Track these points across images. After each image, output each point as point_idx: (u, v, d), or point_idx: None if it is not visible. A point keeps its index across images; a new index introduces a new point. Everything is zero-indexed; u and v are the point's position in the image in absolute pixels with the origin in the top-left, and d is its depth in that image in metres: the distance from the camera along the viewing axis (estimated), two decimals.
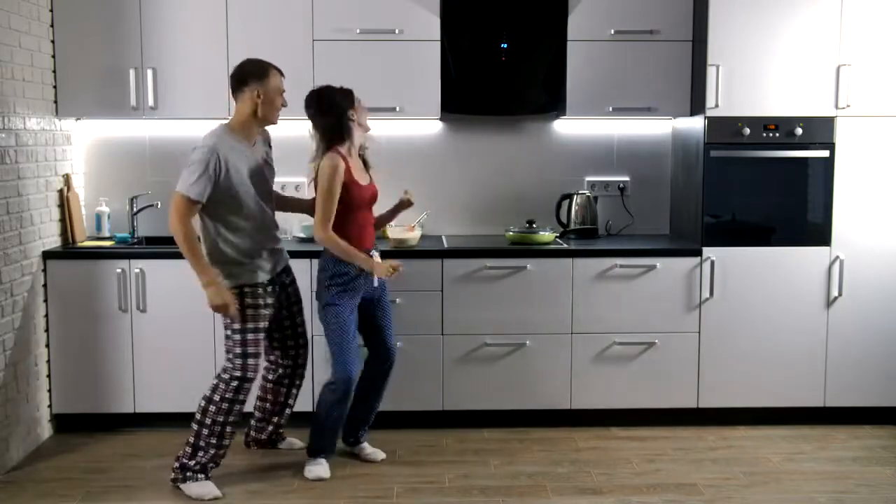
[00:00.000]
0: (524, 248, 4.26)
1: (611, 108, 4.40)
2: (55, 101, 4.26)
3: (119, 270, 4.11)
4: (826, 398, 4.30)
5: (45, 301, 4.12)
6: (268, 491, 3.56)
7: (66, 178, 4.36)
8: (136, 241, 4.45)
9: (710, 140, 4.20)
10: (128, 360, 4.16)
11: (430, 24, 4.31)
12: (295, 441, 3.97)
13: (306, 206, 3.86)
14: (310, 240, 4.38)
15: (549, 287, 4.19)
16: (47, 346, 4.14)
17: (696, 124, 4.32)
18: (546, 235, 4.35)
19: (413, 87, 4.34)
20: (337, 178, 3.49)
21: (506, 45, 4.38)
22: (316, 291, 3.69)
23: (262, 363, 3.66)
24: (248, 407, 3.91)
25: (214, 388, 3.52)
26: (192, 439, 3.53)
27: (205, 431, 3.51)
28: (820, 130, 4.19)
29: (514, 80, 4.46)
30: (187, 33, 4.26)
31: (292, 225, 4.52)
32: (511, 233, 4.39)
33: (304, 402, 4.07)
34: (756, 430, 4.26)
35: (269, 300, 3.58)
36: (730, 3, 4.14)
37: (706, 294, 4.22)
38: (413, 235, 4.28)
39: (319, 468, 3.67)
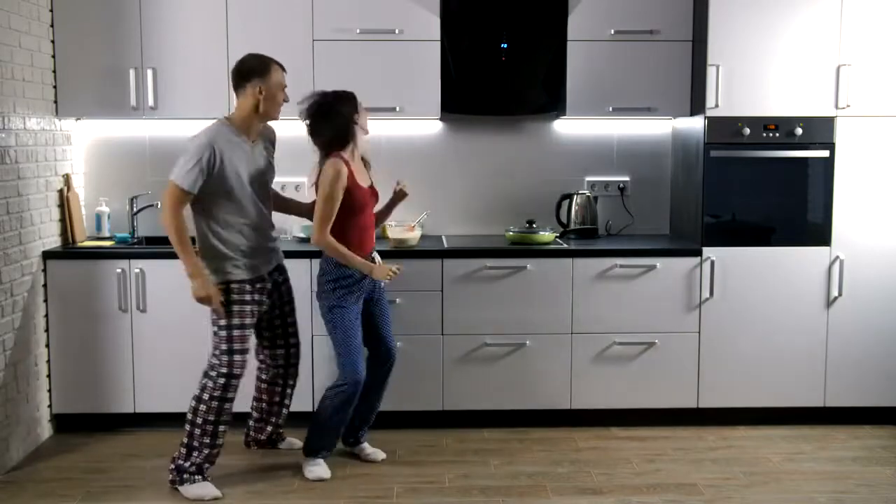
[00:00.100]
0: (524, 248, 4.26)
1: (611, 108, 4.40)
2: (55, 101, 4.26)
3: (119, 270, 4.11)
4: (826, 398, 4.30)
5: (45, 301, 4.12)
6: (268, 491, 3.56)
7: (66, 178, 4.36)
8: (136, 241, 4.45)
9: (710, 140, 4.20)
10: (128, 360, 4.16)
11: (430, 24, 4.31)
12: (295, 441, 3.97)
13: (306, 210, 3.84)
14: (310, 240, 4.38)
15: (549, 287, 4.19)
16: (47, 346, 4.14)
17: (696, 124, 4.32)
18: (546, 235, 4.35)
19: (413, 87, 4.34)
20: (339, 183, 3.48)
21: (506, 45, 4.38)
22: (317, 293, 3.67)
23: (249, 360, 3.61)
24: (246, 407, 3.93)
25: (203, 388, 3.51)
26: (185, 440, 3.52)
27: (197, 431, 3.50)
28: (820, 130, 4.20)
29: (514, 80, 4.46)
30: (187, 33, 4.26)
31: (292, 225, 4.52)
32: (511, 233, 4.39)
33: (304, 402, 4.08)
34: (756, 430, 4.26)
35: (257, 297, 3.57)
36: (730, 3, 4.14)
37: (706, 294, 4.22)
38: (413, 235, 4.28)
39: (320, 468, 3.67)
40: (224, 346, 3.50)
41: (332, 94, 3.57)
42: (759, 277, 4.23)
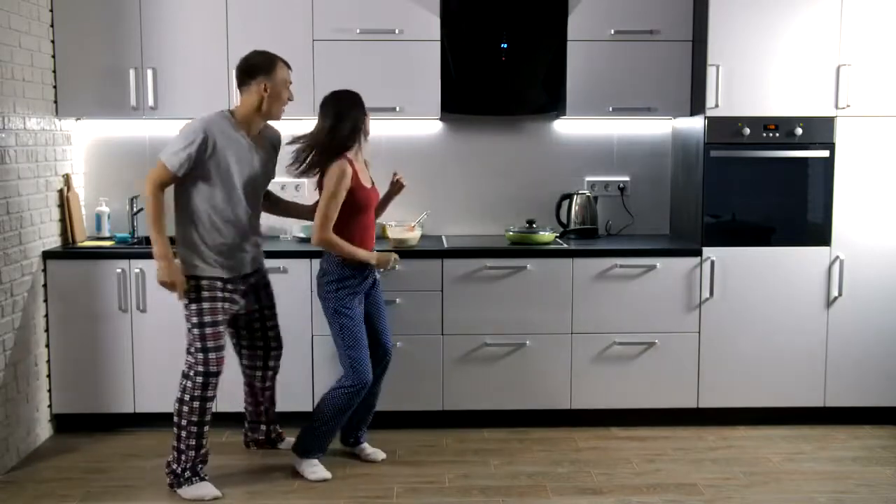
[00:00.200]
0: (524, 248, 4.26)
1: (611, 108, 4.40)
2: (55, 101, 4.26)
3: (119, 270, 4.11)
4: (826, 398, 4.30)
5: (45, 301, 4.12)
6: (268, 491, 3.56)
7: (66, 178, 4.36)
8: (136, 241, 4.44)
9: (710, 140, 4.20)
10: (128, 360, 4.16)
11: (430, 24, 4.31)
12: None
13: (308, 211, 3.82)
14: (310, 240, 4.37)
15: (549, 287, 4.19)
16: (47, 346, 4.14)
17: (696, 124, 4.32)
18: (546, 235, 4.35)
19: (413, 87, 4.34)
20: (343, 183, 3.49)
21: (506, 45, 4.38)
22: (319, 293, 3.66)
23: (227, 357, 3.58)
24: (242, 407, 3.94)
25: (183, 389, 3.48)
26: (174, 443, 3.51)
27: (184, 434, 3.48)
28: (820, 130, 4.20)
29: (514, 80, 4.46)
30: (187, 33, 4.26)
31: (292, 225, 4.52)
32: (511, 233, 4.39)
33: (304, 402, 4.08)
34: (756, 430, 4.26)
35: (228, 296, 3.53)
36: (730, 3, 4.14)
37: (706, 294, 4.22)
38: (413, 235, 4.28)
39: (320, 469, 3.66)
40: (198, 344, 3.46)
41: (343, 95, 3.57)
42: (759, 277, 4.23)
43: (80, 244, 4.33)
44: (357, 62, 4.28)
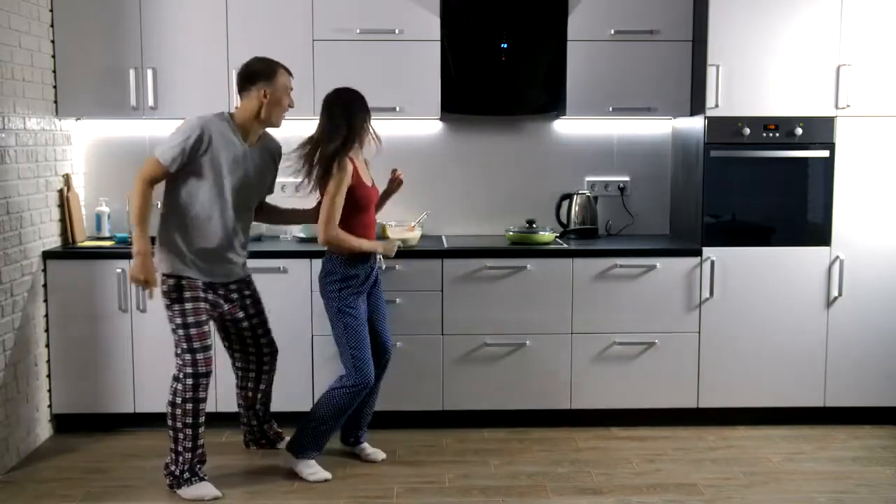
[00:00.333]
0: (524, 248, 4.26)
1: (611, 108, 4.40)
2: (55, 101, 4.26)
3: (119, 270, 4.11)
4: (826, 398, 4.30)
5: (45, 301, 4.12)
6: (268, 491, 3.56)
7: (66, 178, 4.36)
8: None
9: (710, 140, 4.20)
10: (128, 360, 4.16)
11: (430, 24, 4.31)
12: None
13: (309, 215, 3.80)
14: (310, 240, 4.38)
15: (549, 287, 4.19)
16: (47, 346, 4.14)
17: (696, 124, 4.32)
18: (546, 235, 4.35)
19: (413, 87, 4.34)
20: (345, 182, 3.49)
21: (506, 45, 4.38)
22: (322, 293, 3.65)
23: (216, 358, 3.57)
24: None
25: (174, 392, 3.47)
26: (171, 445, 3.51)
27: (180, 436, 3.47)
28: (820, 130, 4.20)
29: (514, 80, 4.46)
30: (187, 33, 4.26)
31: (292, 225, 4.52)
32: (511, 233, 4.39)
33: (305, 402, 4.07)
34: (756, 430, 4.26)
35: (210, 297, 3.52)
36: (730, 3, 4.14)
37: (706, 294, 4.22)
38: (413, 235, 4.28)
39: (319, 470, 3.66)
40: (185, 345, 3.45)
41: (346, 94, 3.57)
42: (759, 277, 4.23)
43: (80, 244, 4.33)
44: (357, 62, 4.28)
